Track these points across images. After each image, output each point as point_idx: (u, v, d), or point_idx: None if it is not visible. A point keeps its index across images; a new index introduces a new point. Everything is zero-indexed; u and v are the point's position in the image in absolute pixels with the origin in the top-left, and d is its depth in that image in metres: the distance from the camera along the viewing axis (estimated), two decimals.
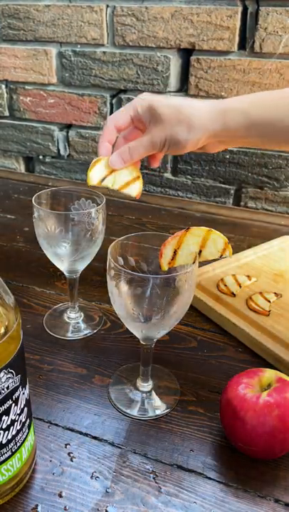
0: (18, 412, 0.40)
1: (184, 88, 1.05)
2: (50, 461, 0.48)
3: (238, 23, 0.94)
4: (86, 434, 0.51)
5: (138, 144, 0.57)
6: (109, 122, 0.59)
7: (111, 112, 1.14)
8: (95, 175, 0.56)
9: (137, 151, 0.57)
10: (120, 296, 0.46)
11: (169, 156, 1.13)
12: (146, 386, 0.56)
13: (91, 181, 0.56)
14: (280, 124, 0.55)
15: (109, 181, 0.56)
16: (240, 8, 0.93)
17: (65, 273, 0.64)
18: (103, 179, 0.57)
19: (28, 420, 0.43)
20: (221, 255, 0.46)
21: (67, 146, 1.23)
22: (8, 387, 0.38)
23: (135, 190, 0.57)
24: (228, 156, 1.07)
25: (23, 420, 0.41)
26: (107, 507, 0.43)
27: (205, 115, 0.55)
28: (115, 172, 0.57)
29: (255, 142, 0.59)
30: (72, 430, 0.51)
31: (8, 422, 0.39)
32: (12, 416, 0.39)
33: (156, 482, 0.46)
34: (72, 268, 0.63)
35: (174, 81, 1.05)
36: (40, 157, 1.28)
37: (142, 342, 0.52)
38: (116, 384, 0.57)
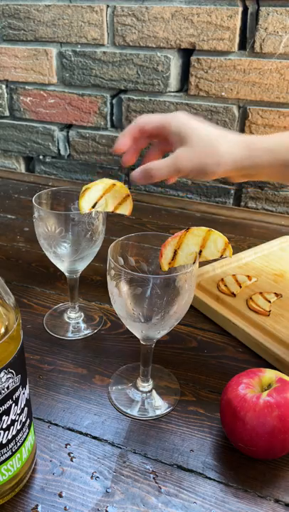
0: (18, 412, 0.40)
1: (184, 88, 1.05)
2: (50, 461, 0.48)
3: (239, 23, 0.94)
4: (86, 434, 0.51)
5: (163, 166, 0.56)
6: (138, 121, 0.59)
7: (111, 112, 1.14)
8: (86, 203, 0.58)
9: (160, 174, 0.57)
10: (120, 296, 0.46)
11: None
12: (147, 386, 0.56)
13: (83, 210, 0.57)
14: None
15: (101, 206, 0.58)
16: (240, 9, 0.93)
17: (65, 273, 0.64)
18: (94, 205, 0.58)
19: (28, 420, 0.43)
20: (221, 255, 0.46)
21: (67, 146, 1.23)
22: (8, 387, 0.38)
23: (127, 209, 0.59)
24: None
25: (23, 420, 0.41)
26: (107, 507, 0.43)
27: (234, 152, 0.55)
28: (106, 195, 0.58)
29: (284, 180, 0.60)
30: (72, 430, 0.51)
31: (9, 422, 0.39)
32: (12, 416, 0.39)
33: (156, 482, 0.46)
34: (72, 268, 0.63)
35: (174, 81, 1.05)
36: (41, 157, 1.28)
37: (142, 342, 0.52)
38: (116, 384, 0.57)
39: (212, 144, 0.55)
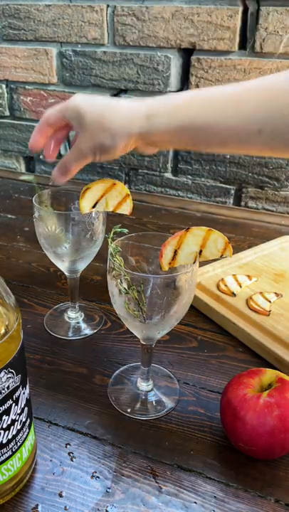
0: (19, 411, 0.40)
1: (184, 88, 1.05)
2: (51, 460, 0.48)
3: (239, 23, 0.94)
4: (86, 434, 0.51)
5: (69, 156, 0.58)
6: (44, 115, 0.59)
7: None
8: (87, 203, 0.57)
9: (70, 164, 0.57)
10: (120, 296, 0.46)
11: (170, 156, 1.13)
12: (146, 386, 0.56)
13: (84, 210, 0.57)
14: (213, 128, 0.52)
15: (101, 206, 0.58)
16: (240, 8, 0.93)
17: (65, 273, 0.64)
18: (95, 205, 0.58)
19: (28, 420, 0.43)
20: (222, 255, 0.46)
21: (67, 146, 1.23)
22: (8, 387, 0.38)
23: (127, 208, 0.59)
24: (228, 156, 1.07)
25: (24, 420, 0.41)
26: (107, 507, 0.43)
27: (128, 120, 0.54)
28: (106, 195, 0.58)
29: (188, 145, 0.58)
30: (72, 430, 0.51)
31: (9, 422, 0.39)
32: (12, 416, 0.39)
33: (156, 482, 0.46)
34: (72, 268, 0.63)
35: (174, 81, 1.05)
36: (41, 157, 1.28)
37: (142, 342, 0.52)
38: (116, 384, 0.57)
39: (103, 118, 0.54)
